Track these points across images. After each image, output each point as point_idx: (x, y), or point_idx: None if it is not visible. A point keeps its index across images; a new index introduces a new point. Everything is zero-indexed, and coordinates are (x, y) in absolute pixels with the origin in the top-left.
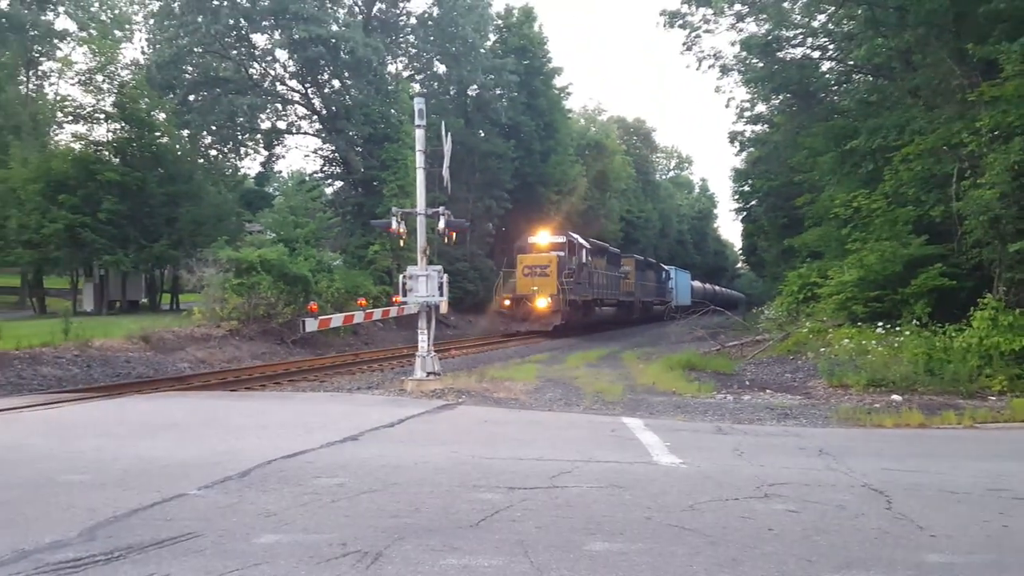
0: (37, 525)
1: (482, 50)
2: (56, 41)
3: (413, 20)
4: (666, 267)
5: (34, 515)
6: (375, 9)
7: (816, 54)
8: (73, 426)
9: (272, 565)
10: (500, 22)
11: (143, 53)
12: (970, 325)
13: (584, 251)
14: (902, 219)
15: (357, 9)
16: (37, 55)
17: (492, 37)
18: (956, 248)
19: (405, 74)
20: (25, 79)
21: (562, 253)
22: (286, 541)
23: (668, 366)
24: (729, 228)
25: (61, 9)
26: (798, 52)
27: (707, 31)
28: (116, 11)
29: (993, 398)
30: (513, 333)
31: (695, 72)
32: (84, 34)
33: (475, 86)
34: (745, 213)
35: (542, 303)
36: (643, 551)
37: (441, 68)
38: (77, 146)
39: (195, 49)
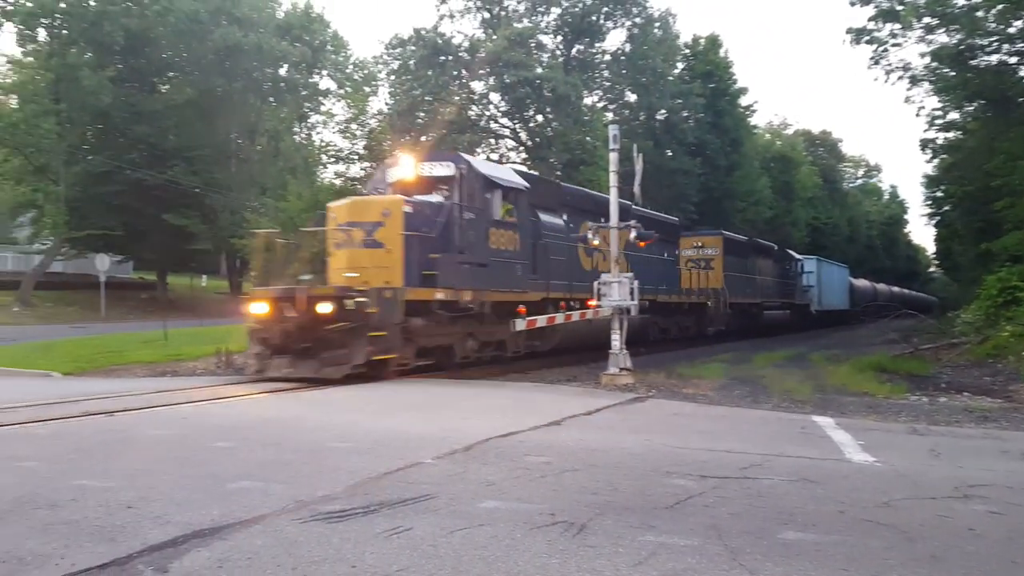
0: (311, 481)
1: (670, 78)
2: (321, 99)
3: (607, 57)
4: (798, 256)
5: (309, 473)
6: (574, 50)
7: (1013, 60)
8: (336, 404)
9: (493, 527)
10: (687, 51)
11: (386, 104)
12: None
13: (498, 191)
14: None
15: (559, 52)
16: (307, 110)
17: (680, 65)
18: None
19: (600, 105)
20: (298, 130)
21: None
22: (504, 507)
23: (858, 367)
24: (921, 233)
25: (324, 72)
26: (993, 59)
27: (895, 45)
28: (365, 71)
29: None
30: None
31: (883, 84)
32: (342, 91)
33: (664, 111)
34: (938, 218)
35: (323, 308)
36: (837, 543)
37: (632, 97)
38: (338, 182)
39: (426, 98)
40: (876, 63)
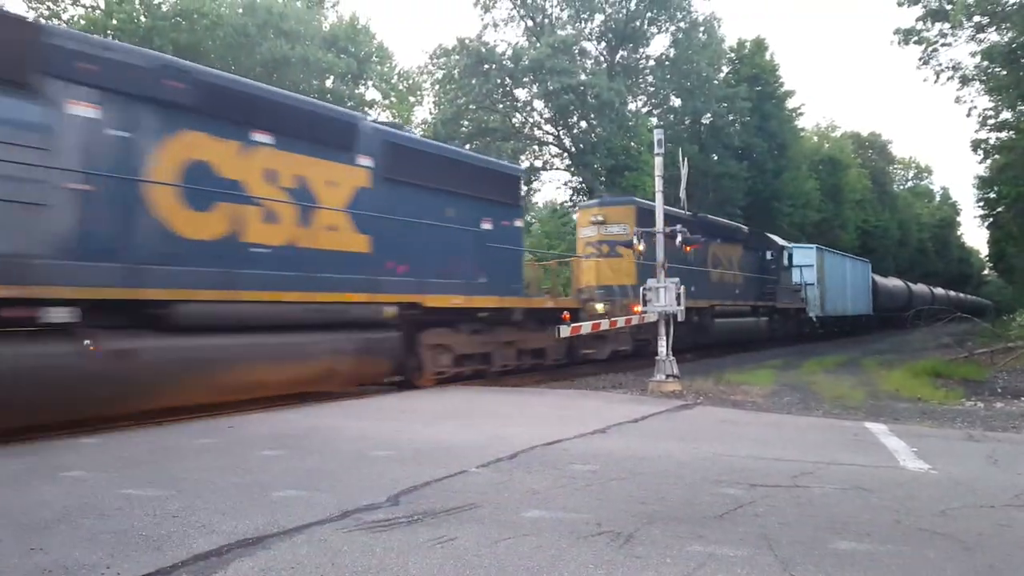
0: (355, 490)
1: (715, 81)
2: (367, 109)
3: (652, 62)
4: (785, 243)
5: (352, 482)
6: (618, 56)
7: None
8: (379, 413)
9: (539, 537)
10: (733, 55)
11: (430, 113)
12: None
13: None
14: None
15: (602, 58)
16: None
17: (725, 69)
18: None
19: (644, 110)
20: None
21: None
22: (549, 517)
23: (912, 373)
24: (974, 235)
25: (370, 83)
26: None
27: (944, 44)
28: (410, 81)
29: None
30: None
31: (932, 84)
32: (387, 102)
33: (709, 115)
34: (991, 220)
35: None
36: (892, 553)
37: (677, 101)
38: None
39: (470, 106)
40: (925, 63)
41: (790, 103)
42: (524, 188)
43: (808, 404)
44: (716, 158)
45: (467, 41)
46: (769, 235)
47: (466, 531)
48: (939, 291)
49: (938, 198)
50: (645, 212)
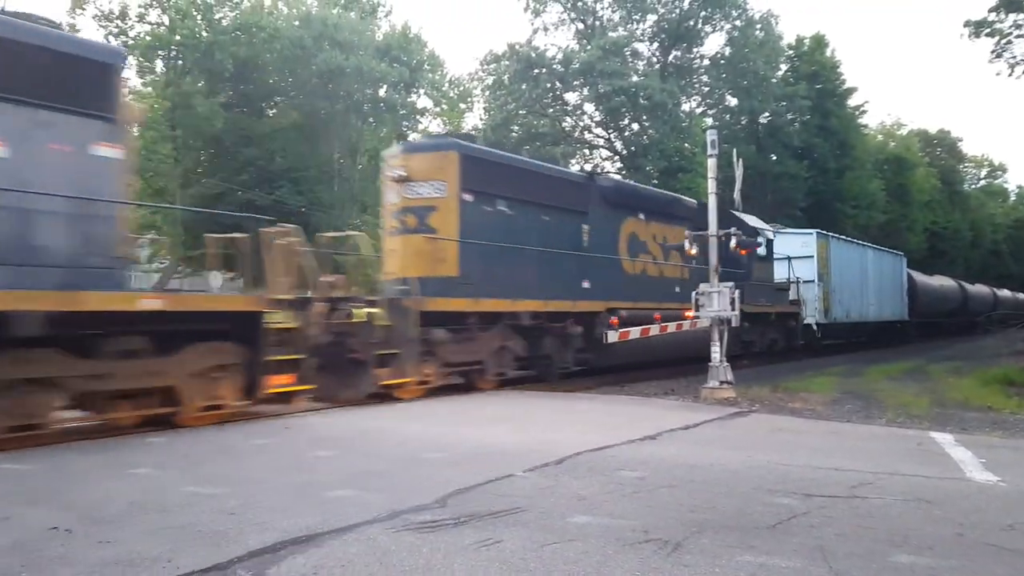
0: (404, 491)
1: (773, 80)
2: (418, 117)
3: (706, 62)
4: (764, 227)
5: (402, 483)
6: (671, 57)
7: None
8: (429, 416)
9: (584, 543)
10: (791, 52)
11: (480, 119)
12: None
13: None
14: None
15: (655, 59)
16: (405, 128)
17: (784, 67)
18: None
19: (698, 111)
20: None
21: None
22: (595, 523)
23: (982, 381)
24: None
25: (422, 91)
26: None
27: (1019, 36)
28: (461, 88)
29: None
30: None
31: (1006, 78)
32: (438, 109)
33: (767, 114)
34: None
35: None
36: (955, 568)
37: (733, 101)
38: None
39: (520, 111)
40: (998, 56)
41: (852, 100)
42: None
43: (870, 412)
44: (775, 158)
45: (517, 47)
46: (737, 213)
47: (512, 534)
48: (1004, 293)
49: (1013, 197)
50: (473, 163)
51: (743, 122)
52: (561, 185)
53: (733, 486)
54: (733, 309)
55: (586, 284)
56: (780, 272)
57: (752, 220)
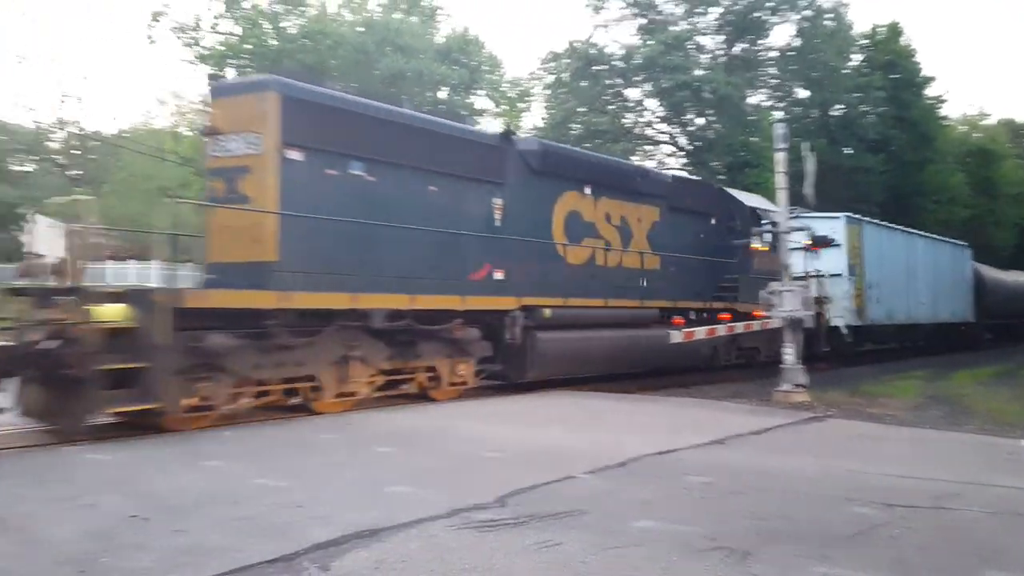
0: (464, 489)
1: (846, 71)
2: (477, 118)
3: (774, 53)
4: (770, 208)
5: (462, 481)
6: (736, 49)
7: None
8: (490, 415)
9: (647, 548)
10: (865, 41)
11: (541, 118)
12: None
13: None
14: None
15: (719, 52)
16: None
17: (857, 57)
18: None
19: (766, 104)
20: None
21: None
22: (659, 528)
23: None
24: None
25: (482, 92)
26: None
27: None
28: (520, 88)
29: None
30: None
31: None
32: (498, 109)
33: (840, 106)
34: None
35: None
36: None
37: (803, 93)
38: None
39: (579, 109)
40: None
41: (930, 90)
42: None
43: (957, 419)
44: (849, 152)
45: (577, 44)
46: (734, 191)
47: (572, 537)
48: None
49: None
50: (302, 108)
51: (814, 115)
52: (458, 145)
53: (807, 494)
54: (807, 309)
55: (499, 275)
56: (822, 264)
57: (753, 199)
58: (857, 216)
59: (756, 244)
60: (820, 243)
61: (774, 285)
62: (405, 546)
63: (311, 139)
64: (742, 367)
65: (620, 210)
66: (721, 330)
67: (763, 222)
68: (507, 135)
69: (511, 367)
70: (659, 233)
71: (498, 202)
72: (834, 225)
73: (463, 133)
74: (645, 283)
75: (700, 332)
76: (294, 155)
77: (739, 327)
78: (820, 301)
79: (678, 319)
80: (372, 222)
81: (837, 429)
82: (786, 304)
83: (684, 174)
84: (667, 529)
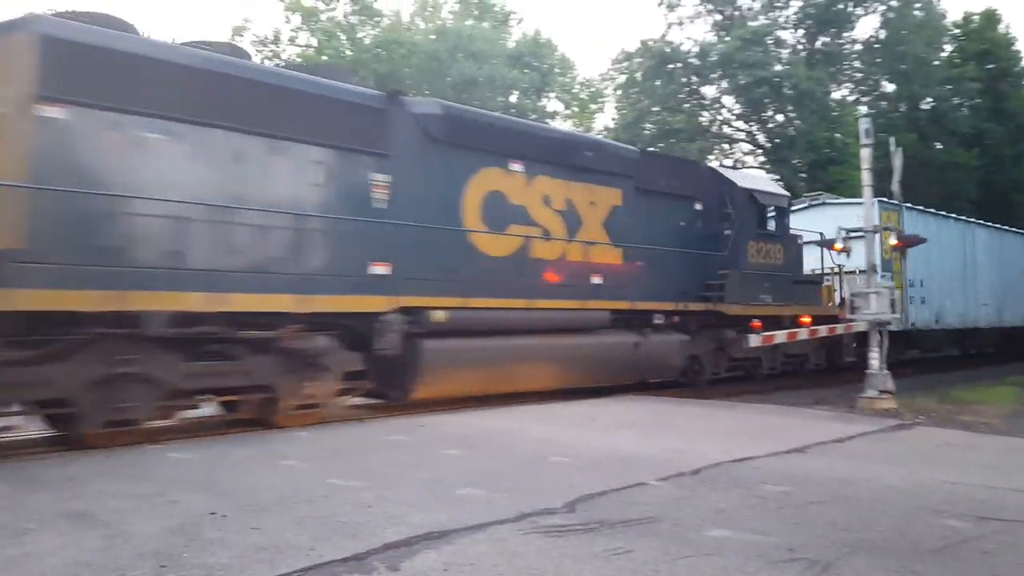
0: (532, 493)
1: (936, 62)
2: (549, 120)
3: (858, 46)
4: (772, 191)
5: (530, 485)
6: (818, 43)
7: None
8: (559, 419)
9: (722, 558)
10: (957, 31)
11: (612, 118)
12: None
13: None
14: None
15: (800, 46)
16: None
17: (948, 47)
18: None
19: (850, 99)
20: None
21: None
22: (734, 538)
23: None
24: None
25: (553, 95)
26: None
27: None
28: (592, 89)
29: None
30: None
31: None
32: (569, 112)
33: (930, 99)
34: None
35: None
36: None
37: (890, 87)
38: None
39: (653, 108)
40: None
41: None
42: None
43: None
44: (940, 147)
45: (650, 43)
46: (720, 169)
47: (644, 544)
48: None
49: None
50: (67, 50)
51: (902, 109)
52: (316, 105)
53: (892, 504)
54: (893, 312)
55: (379, 269)
56: (854, 261)
57: (749, 180)
58: (894, 202)
59: (839, 244)
60: (907, 242)
61: (860, 287)
62: (473, 549)
63: (82, 93)
64: (789, 375)
65: (565, 191)
66: (803, 334)
67: (759, 200)
68: (395, 95)
69: (389, 384)
70: (621, 220)
71: (380, 178)
72: (861, 211)
73: (325, 90)
74: (598, 280)
75: (780, 336)
76: (54, 113)
77: (822, 330)
78: (838, 300)
79: (756, 323)
80: (164, 199)
81: (925, 437)
82: (873, 307)
83: (724, 164)
84: (743, 539)
